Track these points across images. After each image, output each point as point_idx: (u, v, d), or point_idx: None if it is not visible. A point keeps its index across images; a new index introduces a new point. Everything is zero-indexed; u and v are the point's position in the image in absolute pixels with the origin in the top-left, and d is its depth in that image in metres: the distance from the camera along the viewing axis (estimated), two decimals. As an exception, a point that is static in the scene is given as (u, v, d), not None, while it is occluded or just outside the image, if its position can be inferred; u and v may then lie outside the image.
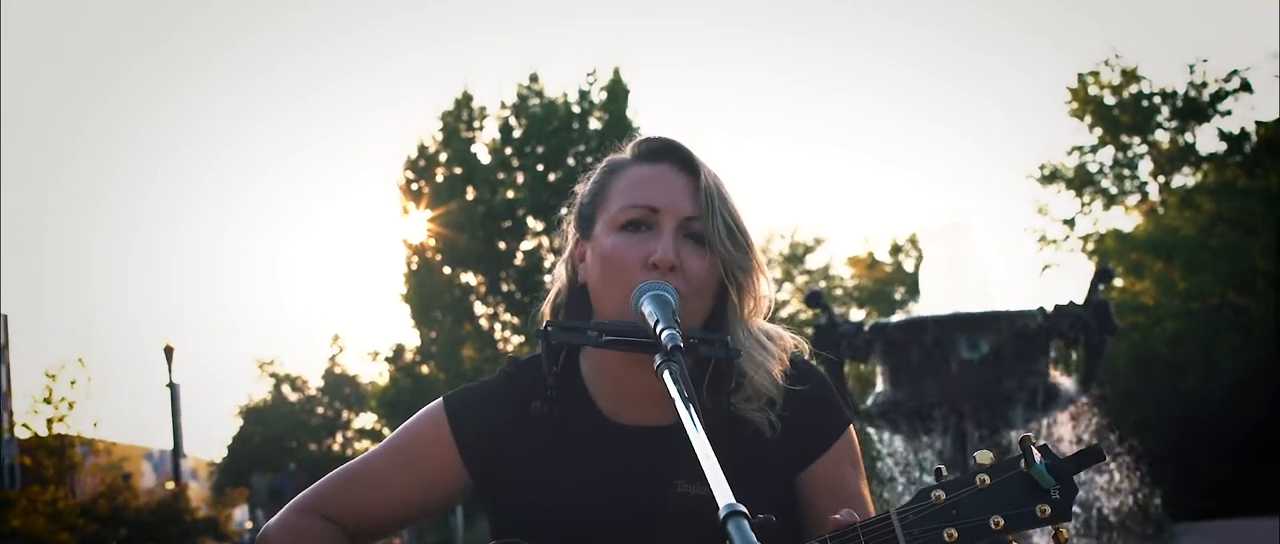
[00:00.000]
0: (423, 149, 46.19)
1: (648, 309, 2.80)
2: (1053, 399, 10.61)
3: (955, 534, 2.70)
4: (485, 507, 3.18)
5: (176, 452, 39.15)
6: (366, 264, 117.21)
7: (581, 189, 3.21)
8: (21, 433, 37.35)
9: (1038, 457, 2.70)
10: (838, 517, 2.74)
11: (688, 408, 2.54)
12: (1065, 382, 10.81)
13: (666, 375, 2.64)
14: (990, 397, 10.37)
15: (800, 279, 59.57)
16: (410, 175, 46.08)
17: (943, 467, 2.79)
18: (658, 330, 2.73)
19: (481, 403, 3.18)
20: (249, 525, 53.45)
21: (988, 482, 2.71)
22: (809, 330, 11.69)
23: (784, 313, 54.46)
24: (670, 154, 3.12)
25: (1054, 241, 42.44)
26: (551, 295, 3.23)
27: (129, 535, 23.31)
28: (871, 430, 11.52)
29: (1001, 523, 2.70)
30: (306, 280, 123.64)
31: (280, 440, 76.54)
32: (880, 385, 11.00)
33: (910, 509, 2.72)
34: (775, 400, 3.06)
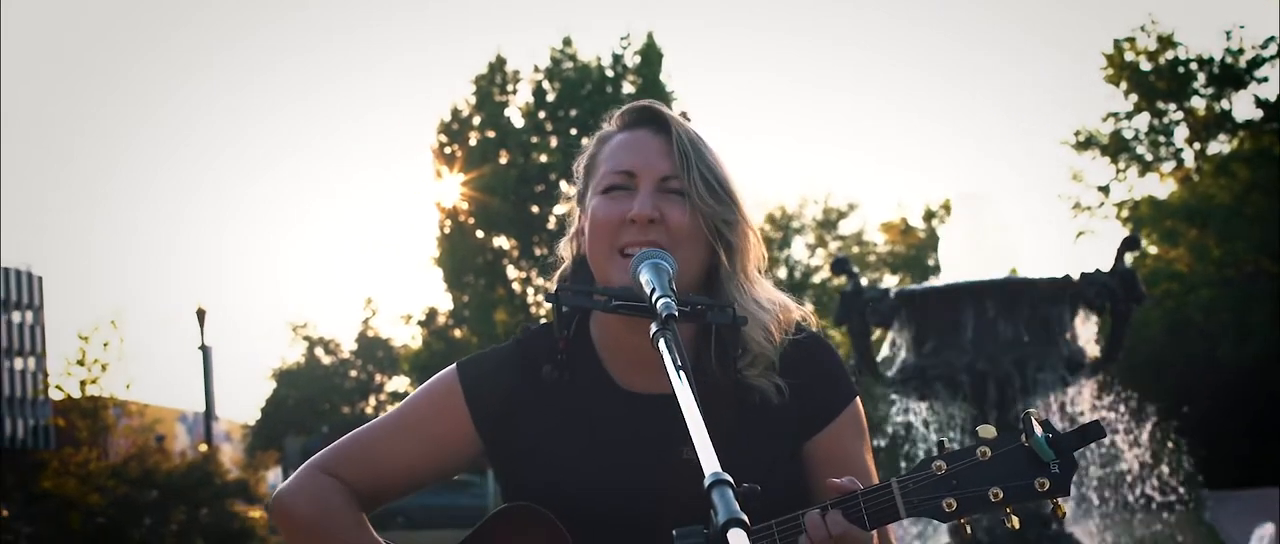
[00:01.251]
0: (456, 113, 46.22)
1: (645, 277, 2.82)
2: (1077, 368, 10.56)
3: (954, 504, 2.74)
4: (497, 471, 3.23)
5: (209, 414, 39.28)
6: (400, 227, 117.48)
7: (578, 165, 3.26)
8: (55, 394, 37.59)
9: (1038, 430, 2.71)
10: (839, 481, 2.77)
11: (680, 376, 2.55)
12: (1090, 350, 10.75)
13: (661, 344, 2.65)
14: (1014, 365, 10.33)
15: (833, 245, 59.42)
16: (443, 139, 46.11)
17: (944, 438, 2.79)
18: (653, 298, 2.74)
19: (494, 369, 3.22)
20: (282, 487, 53.54)
21: (989, 454, 2.74)
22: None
23: (816, 278, 54.45)
24: (647, 118, 3.18)
25: (1088, 209, 42.31)
26: (559, 270, 3.28)
27: (159, 497, 23.36)
28: (895, 397, 11.51)
29: (1000, 495, 2.73)
30: (340, 244, 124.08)
31: (313, 403, 76.80)
32: (904, 353, 10.95)
33: (911, 479, 2.76)
34: (775, 364, 3.07)
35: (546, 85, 45.93)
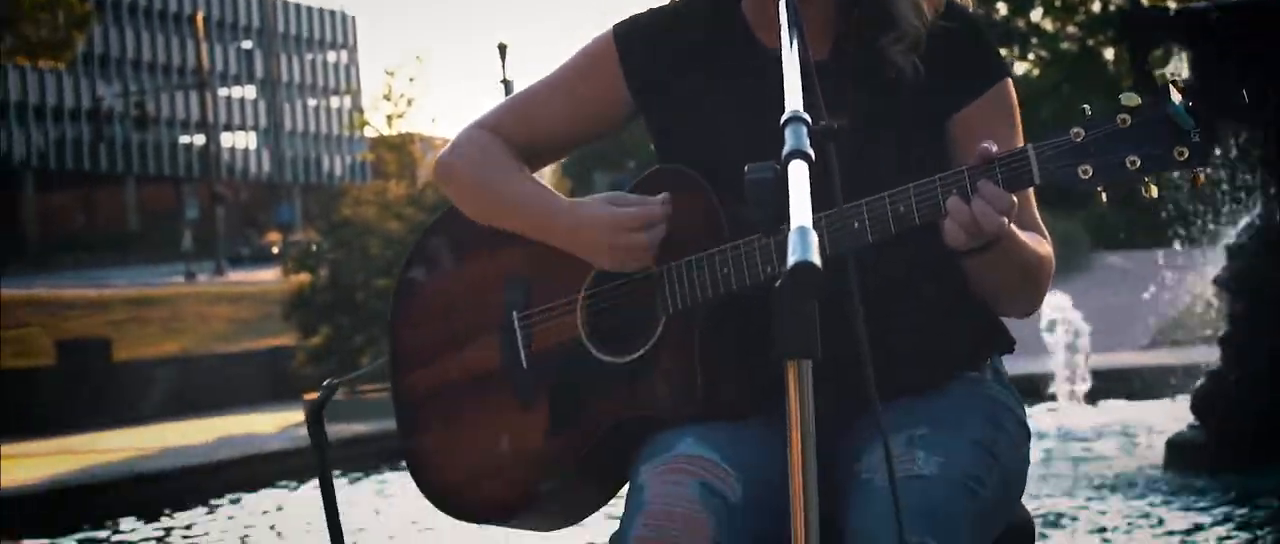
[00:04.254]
0: None
1: None
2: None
3: (1090, 171, 2.65)
4: (650, 132, 3.26)
5: (513, 147, 39.87)
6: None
7: None
8: (367, 131, 38.63)
9: (1177, 97, 2.60)
10: (983, 146, 2.71)
11: (791, 37, 2.50)
12: None
13: (782, 4, 2.61)
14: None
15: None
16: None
17: (1086, 105, 2.69)
18: None
19: (648, 30, 3.21)
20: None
21: (1128, 121, 2.63)
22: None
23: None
24: None
25: None
26: None
27: (457, 223, 23.65)
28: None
29: (1137, 162, 2.63)
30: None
31: (620, 139, 77.69)
32: (1186, 73, 10.53)
33: (1048, 145, 2.68)
34: (922, 41, 2.98)
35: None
